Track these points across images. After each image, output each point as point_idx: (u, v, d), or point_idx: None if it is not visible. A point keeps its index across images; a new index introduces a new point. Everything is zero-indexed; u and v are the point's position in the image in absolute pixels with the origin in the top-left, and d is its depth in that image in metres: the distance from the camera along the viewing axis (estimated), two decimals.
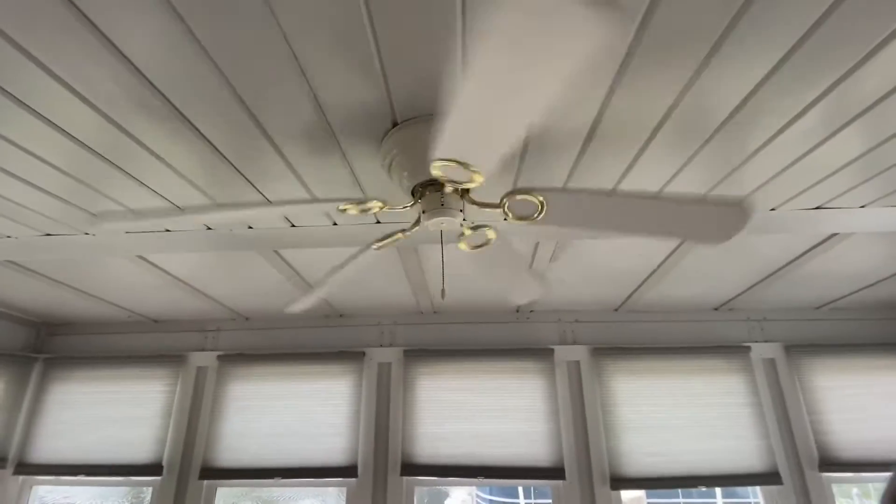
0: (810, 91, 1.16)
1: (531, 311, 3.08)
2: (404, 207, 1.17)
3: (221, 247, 1.87)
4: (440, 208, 1.10)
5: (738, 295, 2.80)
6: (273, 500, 3.10)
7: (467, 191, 1.18)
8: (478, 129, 0.80)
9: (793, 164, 1.47)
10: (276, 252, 2.18)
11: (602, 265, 2.41)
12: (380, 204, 1.16)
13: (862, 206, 1.72)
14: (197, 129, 1.25)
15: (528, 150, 1.38)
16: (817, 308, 2.98)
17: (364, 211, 1.17)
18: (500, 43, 0.59)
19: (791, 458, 2.67)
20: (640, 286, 2.69)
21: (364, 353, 2.97)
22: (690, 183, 1.59)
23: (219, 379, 2.97)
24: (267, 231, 1.82)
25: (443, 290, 1.22)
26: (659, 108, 1.22)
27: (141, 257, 2.11)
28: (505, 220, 1.21)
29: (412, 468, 2.70)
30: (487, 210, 1.22)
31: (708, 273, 2.55)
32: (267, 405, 2.89)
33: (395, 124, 1.21)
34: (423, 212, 1.12)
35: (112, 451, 2.84)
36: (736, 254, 2.34)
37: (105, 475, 2.81)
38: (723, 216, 1.13)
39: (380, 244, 1.28)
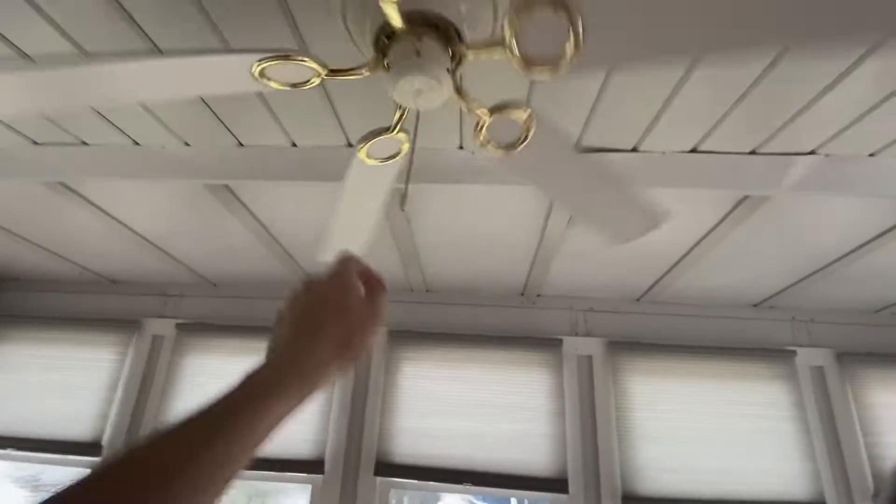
0: None
1: (538, 296, 2.68)
2: (359, 70, 0.78)
3: (152, 172, 1.48)
4: (414, 61, 0.70)
5: (784, 290, 2.39)
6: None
7: (460, 60, 0.78)
8: None
9: None
10: (239, 202, 1.82)
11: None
12: (319, 67, 0.76)
13: None
14: None
15: None
16: (877, 311, 2.54)
17: (301, 79, 0.77)
18: None
19: (840, 487, 2.23)
20: (668, 272, 2.29)
21: None
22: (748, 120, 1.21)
23: (175, 349, 2.59)
24: (208, 152, 1.44)
25: (403, 198, 0.83)
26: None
27: (102, 210, 1.76)
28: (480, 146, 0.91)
29: (388, 468, 2.30)
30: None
31: (748, 262, 2.16)
32: (226, 384, 2.50)
33: None
34: (389, 69, 0.73)
35: (48, 425, 2.47)
36: (785, 239, 1.94)
37: (38, 451, 2.44)
38: (636, 217, 1.11)
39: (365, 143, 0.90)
